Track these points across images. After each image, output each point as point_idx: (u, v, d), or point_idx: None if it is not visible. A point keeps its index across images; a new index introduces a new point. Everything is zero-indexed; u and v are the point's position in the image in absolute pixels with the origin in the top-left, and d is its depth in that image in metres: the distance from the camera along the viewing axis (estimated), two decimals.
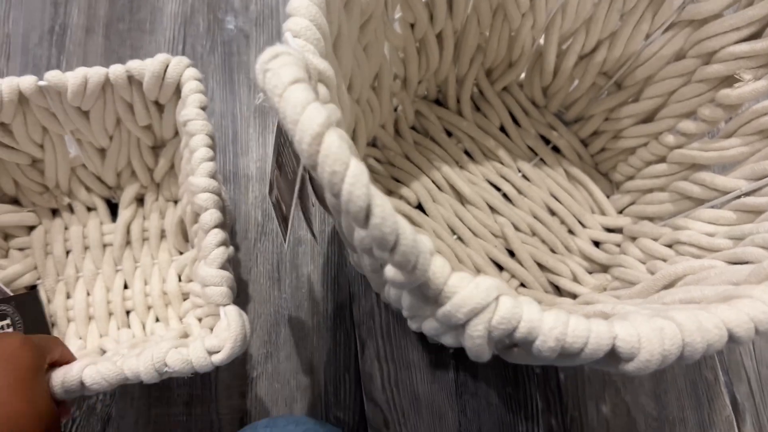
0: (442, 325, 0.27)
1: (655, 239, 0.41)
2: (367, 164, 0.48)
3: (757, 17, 0.33)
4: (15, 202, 0.44)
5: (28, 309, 0.41)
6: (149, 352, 0.31)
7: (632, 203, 0.46)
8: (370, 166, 0.48)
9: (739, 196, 0.35)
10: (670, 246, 0.40)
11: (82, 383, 0.31)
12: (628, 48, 0.42)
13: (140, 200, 0.46)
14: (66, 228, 0.45)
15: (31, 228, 0.44)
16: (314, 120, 0.20)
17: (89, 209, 0.46)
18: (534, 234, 0.47)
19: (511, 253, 0.47)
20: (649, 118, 0.43)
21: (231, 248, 0.35)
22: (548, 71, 0.46)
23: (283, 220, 0.33)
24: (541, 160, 0.49)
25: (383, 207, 0.21)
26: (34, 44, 0.51)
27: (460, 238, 0.47)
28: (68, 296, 0.44)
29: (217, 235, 0.34)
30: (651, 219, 0.44)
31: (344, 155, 0.20)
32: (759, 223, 0.32)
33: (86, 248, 0.45)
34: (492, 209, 0.48)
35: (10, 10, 0.52)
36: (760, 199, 0.33)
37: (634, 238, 0.44)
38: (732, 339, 0.23)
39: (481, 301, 0.23)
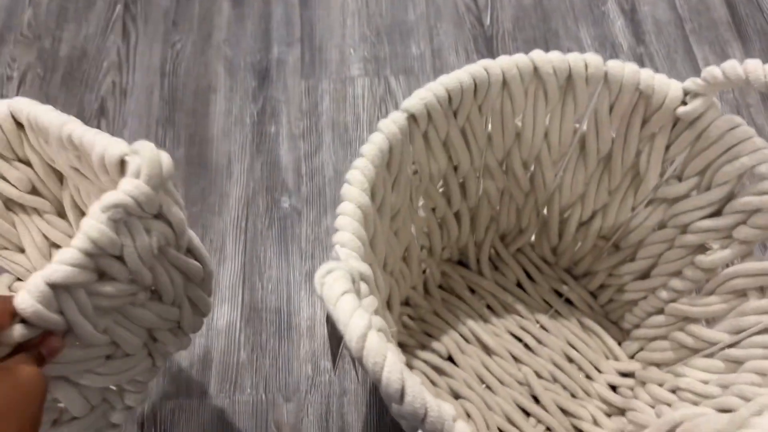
0: None
1: (661, 385, 0.46)
2: (401, 322, 0.55)
3: (715, 199, 0.41)
4: None
5: None
6: None
7: (641, 349, 0.52)
8: (405, 323, 0.55)
9: (723, 348, 0.41)
10: (673, 391, 0.45)
11: None
12: (618, 217, 0.49)
13: None
14: None
15: None
16: (359, 324, 0.28)
17: None
18: (555, 380, 0.52)
19: (536, 400, 0.52)
20: (645, 275, 0.50)
21: None
22: (554, 236, 0.54)
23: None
24: (556, 311, 0.56)
25: (414, 388, 0.27)
26: None
27: (488, 387, 0.52)
28: None
29: None
30: (657, 365, 0.49)
31: (383, 350, 0.27)
32: (739, 374, 0.37)
33: None
34: (515, 359, 0.53)
35: None
36: (739, 352, 0.39)
37: (644, 383, 0.49)
38: None
39: None
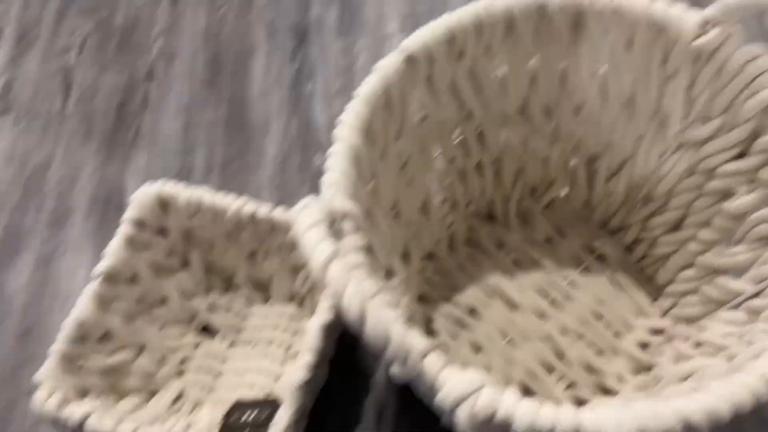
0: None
1: (686, 340, 0.44)
2: (424, 276, 0.55)
3: (739, 139, 0.38)
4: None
5: None
6: None
7: (674, 305, 0.49)
8: (428, 277, 0.55)
9: (747, 299, 0.38)
10: (697, 346, 0.42)
11: None
12: (647, 165, 0.47)
13: None
14: None
15: None
16: (323, 253, 0.28)
17: None
18: (581, 337, 0.51)
19: (561, 356, 0.51)
20: (676, 227, 0.47)
21: None
22: (584, 188, 0.52)
23: None
24: (587, 267, 0.54)
25: (376, 315, 0.28)
26: None
27: (511, 342, 0.52)
28: None
29: None
30: (686, 320, 0.46)
31: (345, 279, 0.28)
32: (755, 323, 0.35)
33: None
34: (540, 314, 0.52)
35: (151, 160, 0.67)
36: (760, 302, 0.36)
37: (670, 339, 0.47)
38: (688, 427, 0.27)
39: (464, 391, 0.28)
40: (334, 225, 0.33)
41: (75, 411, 0.42)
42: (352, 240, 0.33)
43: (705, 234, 0.44)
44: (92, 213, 0.63)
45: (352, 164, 0.36)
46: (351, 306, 0.27)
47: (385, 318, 0.28)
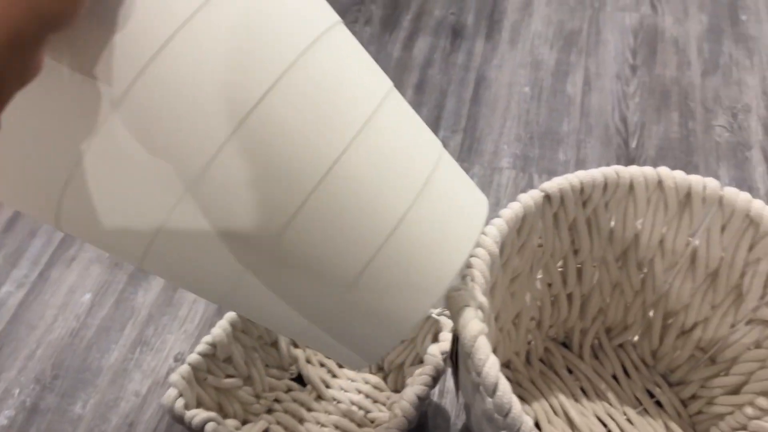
0: None
1: None
2: None
3: None
4: None
5: None
6: None
7: None
8: None
9: None
10: None
11: None
12: (718, 332, 0.54)
13: None
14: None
15: None
16: (475, 328, 0.36)
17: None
18: None
19: None
20: (735, 391, 0.53)
21: None
22: (655, 339, 0.59)
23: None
24: (645, 410, 0.60)
25: (505, 387, 0.35)
26: None
27: None
28: None
29: None
30: None
31: (488, 351, 0.36)
32: None
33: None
34: None
35: None
36: None
37: None
38: None
39: None
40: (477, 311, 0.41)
41: (199, 415, 0.49)
42: (485, 327, 0.41)
43: (762, 402, 0.50)
44: None
45: (487, 268, 0.44)
46: (490, 375, 0.35)
47: (510, 392, 0.36)
